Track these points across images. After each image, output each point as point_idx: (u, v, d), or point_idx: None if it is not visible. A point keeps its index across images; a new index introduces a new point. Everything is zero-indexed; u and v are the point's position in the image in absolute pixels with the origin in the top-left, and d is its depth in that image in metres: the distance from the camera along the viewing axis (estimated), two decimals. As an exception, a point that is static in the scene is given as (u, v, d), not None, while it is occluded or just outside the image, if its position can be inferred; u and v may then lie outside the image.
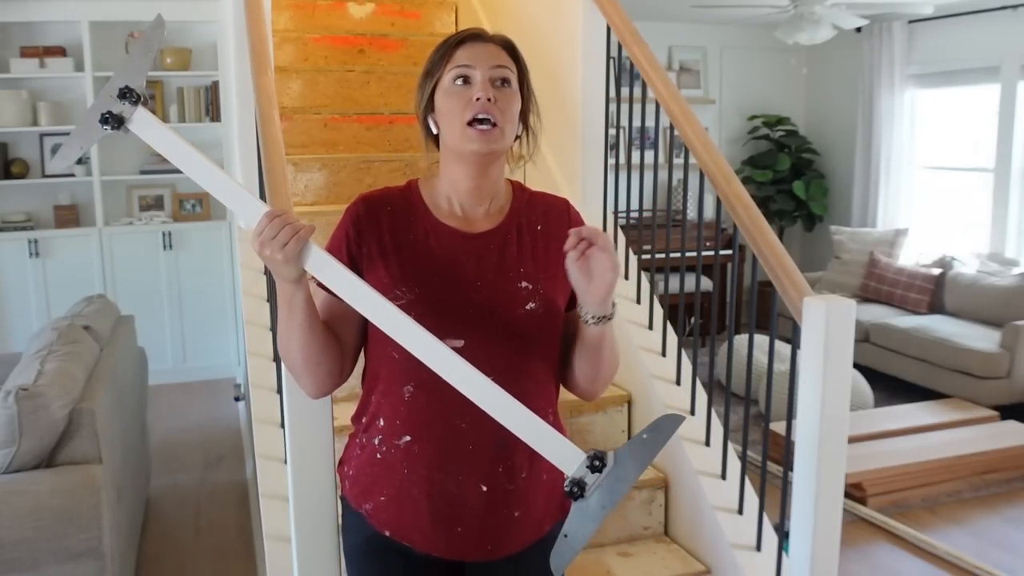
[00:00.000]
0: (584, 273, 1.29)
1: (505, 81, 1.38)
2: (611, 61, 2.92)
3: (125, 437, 3.10)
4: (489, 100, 1.33)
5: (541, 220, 1.46)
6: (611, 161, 3.03)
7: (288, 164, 2.49)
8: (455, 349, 1.27)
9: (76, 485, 2.44)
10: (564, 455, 1.26)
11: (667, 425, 1.25)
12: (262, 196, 2.32)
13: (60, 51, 5.13)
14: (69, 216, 5.28)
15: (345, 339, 1.40)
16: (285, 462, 1.96)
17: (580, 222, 1.48)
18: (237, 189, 1.31)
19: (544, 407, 1.41)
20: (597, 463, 1.23)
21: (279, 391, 2.34)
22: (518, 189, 1.49)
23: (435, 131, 1.41)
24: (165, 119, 5.41)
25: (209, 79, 5.38)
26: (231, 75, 3.20)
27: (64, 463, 2.51)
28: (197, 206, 5.55)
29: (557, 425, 1.47)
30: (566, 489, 1.25)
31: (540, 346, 1.39)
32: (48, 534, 2.39)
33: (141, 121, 1.29)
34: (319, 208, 3.18)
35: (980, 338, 5.00)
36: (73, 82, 5.19)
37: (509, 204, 1.46)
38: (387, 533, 1.42)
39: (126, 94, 1.27)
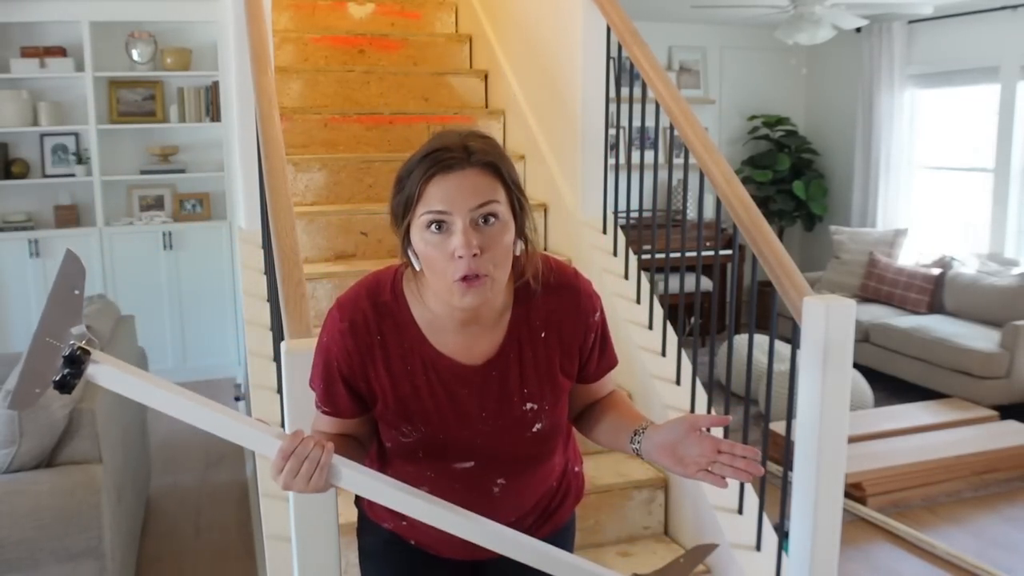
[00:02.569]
0: (684, 464, 1.22)
1: (491, 216, 1.18)
2: (611, 61, 2.93)
3: (125, 437, 3.09)
4: (475, 255, 1.16)
5: (544, 326, 1.33)
6: (611, 161, 3.03)
7: (288, 164, 2.49)
8: (464, 469, 1.35)
9: (76, 485, 2.44)
10: None
11: (701, 553, 1.38)
12: (262, 196, 2.32)
13: (60, 51, 5.13)
14: (69, 216, 5.27)
15: (362, 434, 1.39)
16: (285, 462, 1.95)
17: (592, 308, 1.36)
18: (234, 421, 1.18)
19: (563, 468, 1.48)
20: None
21: (279, 391, 2.34)
22: (522, 294, 1.32)
23: (417, 266, 1.25)
24: (165, 119, 5.41)
25: (209, 79, 5.38)
26: (231, 75, 3.20)
27: (64, 463, 2.51)
28: (197, 206, 5.54)
29: (578, 477, 1.54)
30: None
31: (548, 449, 1.42)
32: (48, 534, 2.39)
33: (102, 375, 1.16)
34: (319, 208, 3.18)
35: (980, 338, 5.00)
36: (73, 82, 5.19)
37: (509, 310, 1.32)
38: (406, 538, 1.46)
39: (73, 357, 1.13)
